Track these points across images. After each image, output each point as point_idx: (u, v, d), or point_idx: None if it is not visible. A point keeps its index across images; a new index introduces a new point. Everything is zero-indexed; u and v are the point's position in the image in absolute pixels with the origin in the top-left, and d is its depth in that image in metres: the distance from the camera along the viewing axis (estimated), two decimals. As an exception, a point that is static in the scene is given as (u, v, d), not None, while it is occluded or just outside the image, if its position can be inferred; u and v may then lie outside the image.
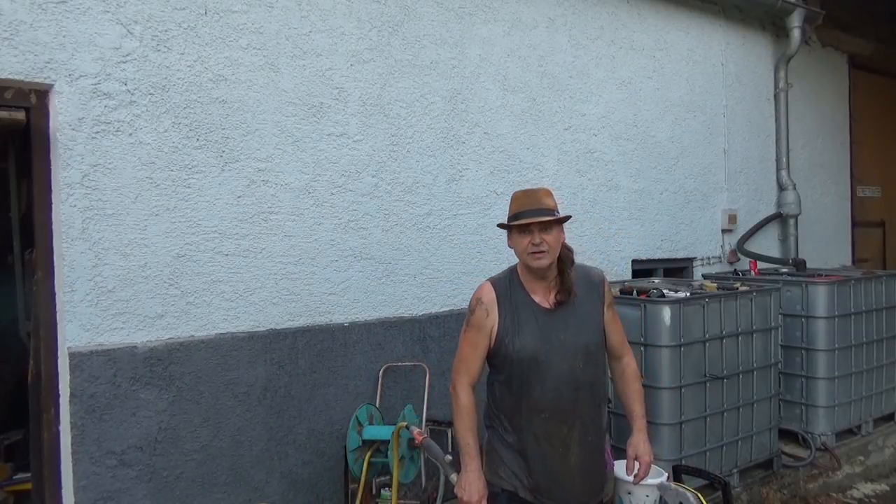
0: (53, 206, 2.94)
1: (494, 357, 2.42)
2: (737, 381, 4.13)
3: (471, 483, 2.36)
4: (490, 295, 2.40)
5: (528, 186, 2.53)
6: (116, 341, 3.02)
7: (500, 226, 2.47)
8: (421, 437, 2.92)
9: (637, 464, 2.53)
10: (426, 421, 3.74)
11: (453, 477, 2.52)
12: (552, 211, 2.37)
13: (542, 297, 2.40)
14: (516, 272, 2.47)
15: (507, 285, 2.43)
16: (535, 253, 2.33)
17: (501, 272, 2.52)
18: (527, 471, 2.40)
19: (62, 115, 2.91)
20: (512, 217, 2.40)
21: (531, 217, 2.32)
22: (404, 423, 3.21)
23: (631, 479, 2.55)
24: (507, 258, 4.37)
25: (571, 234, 4.69)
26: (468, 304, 2.45)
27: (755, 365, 4.22)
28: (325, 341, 3.63)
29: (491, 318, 2.38)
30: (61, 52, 2.90)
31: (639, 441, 2.53)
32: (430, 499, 3.62)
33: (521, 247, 2.36)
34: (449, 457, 2.75)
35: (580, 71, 4.81)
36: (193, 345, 3.22)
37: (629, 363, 2.60)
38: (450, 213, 4.14)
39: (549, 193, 2.43)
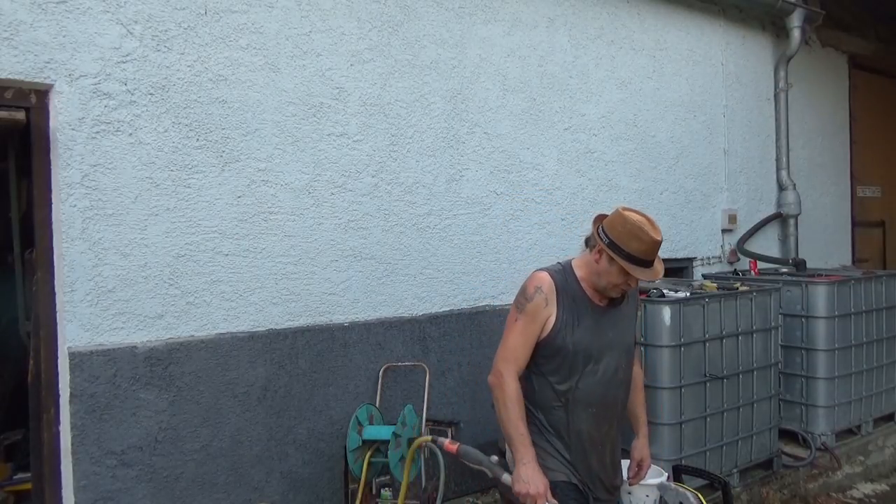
0: (53, 206, 2.94)
1: (545, 349, 2.36)
2: (737, 381, 4.13)
3: (531, 475, 2.20)
4: (550, 284, 2.34)
5: (640, 213, 2.33)
6: (116, 341, 3.02)
7: (607, 246, 2.28)
8: (455, 447, 2.53)
9: (638, 467, 2.63)
10: (426, 421, 3.73)
11: (506, 477, 2.29)
12: (658, 264, 2.36)
13: (594, 295, 2.40)
14: (571, 269, 2.42)
15: (564, 279, 2.38)
16: (621, 289, 2.35)
17: (552, 266, 2.46)
18: (569, 465, 2.39)
19: (62, 115, 2.91)
20: (630, 256, 2.25)
21: (647, 272, 2.28)
22: (429, 438, 2.72)
23: (628, 479, 2.62)
24: (506, 258, 4.38)
25: (573, 235, 4.73)
26: (521, 290, 2.37)
27: (755, 365, 4.22)
28: (325, 341, 3.63)
29: (549, 308, 2.33)
30: (61, 52, 2.90)
31: (643, 446, 2.64)
32: (430, 499, 3.62)
33: (611, 278, 2.31)
34: (494, 457, 2.49)
35: (580, 71, 4.81)
36: (193, 345, 3.22)
37: (639, 373, 2.69)
38: (450, 213, 4.14)
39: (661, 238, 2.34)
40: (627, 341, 2.47)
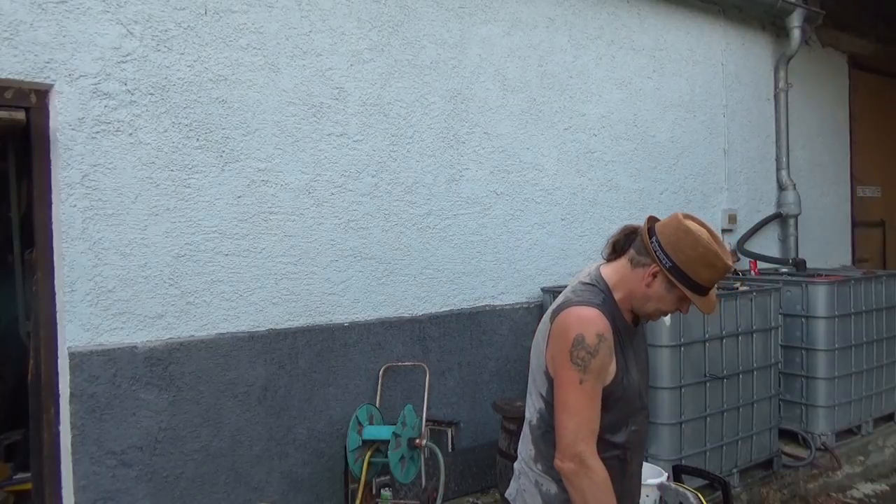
0: (53, 206, 2.94)
1: (603, 401, 1.88)
2: (737, 381, 4.13)
3: None
4: (608, 327, 1.84)
5: (705, 227, 1.88)
6: (116, 341, 3.02)
7: (668, 270, 1.84)
8: None
9: None
10: (426, 421, 3.73)
11: None
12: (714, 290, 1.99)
13: (628, 314, 1.98)
14: (611, 293, 1.92)
15: (610, 311, 1.89)
16: (665, 315, 1.98)
17: (590, 293, 1.91)
18: None
19: (62, 115, 2.91)
20: (696, 286, 1.86)
21: (706, 302, 1.91)
22: None
23: None
24: (506, 258, 4.38)
25: (572, 235, 4.74)
26: (576, 340, 1.79)
27: (755, 365, 4.22)
28: (325, 341, 3.63)
29: (612, 355, 1.85)
30: (61, 52, 2.90)
31: None
32: (430, 499, 3.62)
33: (664, 305, 1.91)
34: None
35: (580, 71, 4.81)
36: (193, 345, 3.22)
37: None
38: (450, 213, 4.14)
39: None
40: (647, 357, 2.14)
